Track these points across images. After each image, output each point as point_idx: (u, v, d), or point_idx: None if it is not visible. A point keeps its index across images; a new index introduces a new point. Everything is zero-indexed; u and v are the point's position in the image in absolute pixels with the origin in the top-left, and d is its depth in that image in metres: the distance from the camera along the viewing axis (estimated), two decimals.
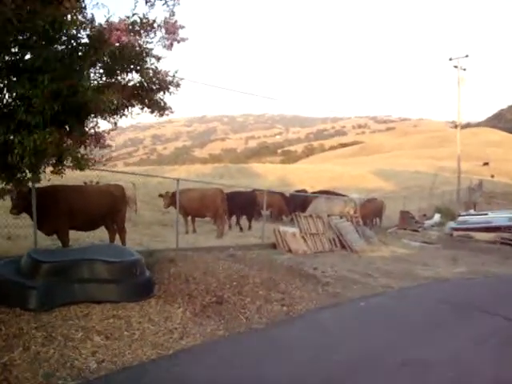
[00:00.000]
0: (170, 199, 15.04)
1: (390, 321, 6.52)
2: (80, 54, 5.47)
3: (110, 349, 4.81)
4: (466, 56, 39.01)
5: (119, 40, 5.26)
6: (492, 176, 60.83)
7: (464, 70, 38.94)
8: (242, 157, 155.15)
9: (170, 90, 6.56)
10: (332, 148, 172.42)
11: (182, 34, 6.32)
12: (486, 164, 78.16)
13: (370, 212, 22.19)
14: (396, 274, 11.19)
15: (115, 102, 5.25)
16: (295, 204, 20.95)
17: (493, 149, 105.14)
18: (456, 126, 39.87)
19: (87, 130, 6.26)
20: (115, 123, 6.76)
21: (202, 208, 15.30)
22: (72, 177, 16.92)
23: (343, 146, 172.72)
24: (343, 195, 23.55)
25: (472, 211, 29.14)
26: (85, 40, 5.62)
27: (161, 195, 15.99)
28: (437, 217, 27.56)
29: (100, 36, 5.37)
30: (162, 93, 6.60)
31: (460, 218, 24.96)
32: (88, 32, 5.60)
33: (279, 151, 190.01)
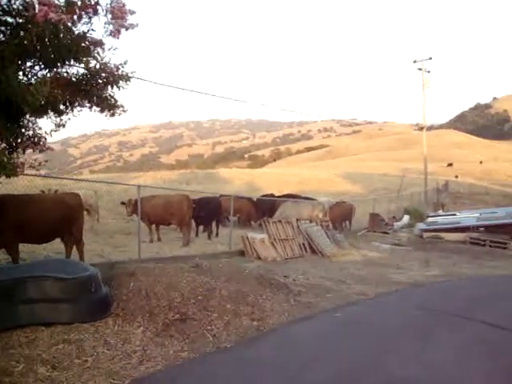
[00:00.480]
0: (133, 207, 14.36)
1: (367, 333, 6.07)
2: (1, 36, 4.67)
3: (56, 381, 4.18)
4: (430, 58, 39.27)
5: (46, 17, 4.34)
6: (456, 176, 61.89)
7: (428, 72, 39.21)
8: (210, 162, 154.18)
9: (119, 85, 5.86)
10: (299, 152, 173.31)
11: (131, 20, 5.54)
12: (450, 165, 79.59)
13: (340, 215, 21.88)
14: (369, 279, 10.81)
15: (45, 94, 4.50)
16: (263, 209, 20.49)
17: (456, 150, 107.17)
18: (421, 128, 40.11)
19: (23, 130, 5.56)
20: (62, 124, 6.10)
21: (167, 215, 14.64)
22: (32, 185, 16.12)
23: (310, 149, 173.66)
24: (311, 199, 23.18)
25: (441, 212, 29.24)
26: (6, 19, 4.74)
27: (123, 203, 15.32)
28: (406, 218, 27.52)
29: (26, 14, 4.51)
30: (109, 87, 5.90)
31: (429, 219, 24.99)
32: (9, 9, 4.70)
33: (246, 156, 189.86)
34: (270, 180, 43.57)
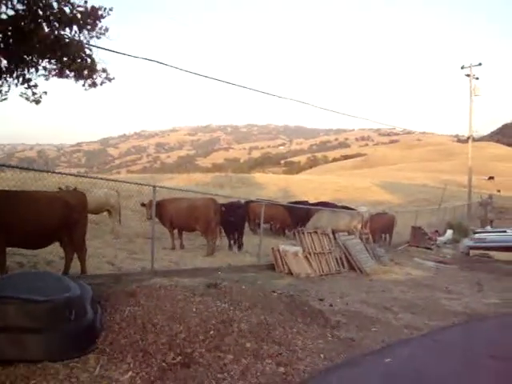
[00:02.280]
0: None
1: None
2: None
3: None
4: (479, 64, 37.29)
5: None
6: (498, 191, 59.05)
7: (477, 79, 37.21)
8: (245, 167, 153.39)
9: (85, 25, 4.41)
10: (335, 160, 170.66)
11: None
12: (491, 178, 76.58)
13: (380, 227, 20.13)
14: (418, 306, 9.19)
15: None
16: (298, 216, 18.99)
17: (497, 163, 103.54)
18: (468, 138, 38.15)
19: None
20: (35, 100, 4.74)
21: (191, 220, 13.20)
22: (60, 182, 15.02)
23: (346, 157, 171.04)
24: (348, 207, 21.54)
25: (489, 228, 27.11)
26: None
27: (143, 204, 14.00)
28: (449, 233, 25.61)
29: None
30: (74, 31, 4.44)
31: (476, 236, 22.99)
32: None
33: (282, 162, 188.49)
34: (305, 187, 42.01)
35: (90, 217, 16.86)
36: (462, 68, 37.41)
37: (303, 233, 12.77)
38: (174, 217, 13.31)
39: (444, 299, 10.50)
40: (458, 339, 6.92)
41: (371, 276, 13.17)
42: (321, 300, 8.32)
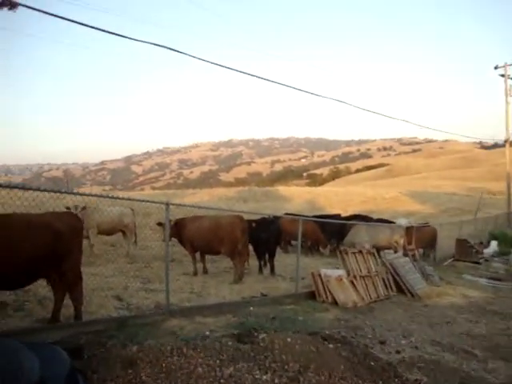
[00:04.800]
0: (172, 229, 11.20)
1: None
2: None
3: None
4: None
5: None
6: None
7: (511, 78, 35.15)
8: (268, 180, 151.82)
9: None
10: (358, 171, 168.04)
11: None
12: None
13: (422, 242, 18.12)
14: (505, 347, 7.23)
15: None
16: (331, 232, 17.18)
17: None
18: (505, 141, 35.89)
19: None
20: None
21: (215, 242, 11.31)
22: (80, 200, 13.42)
23: (369, 168, 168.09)
24: (386, 220, 19.66)
25: None
26: None
27: (159, 224, 12.25)
28: (494, 244, 23.42)
29: None
30: None
31: None
32: None
33: (305, 174, 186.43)
34: (331, 199, 40.25)
35: (105, 238, 15.41)
36: (496, 68, 35.49)
37: (346, 253, 10.86)
38: (196, 238, 11.54)
39: None
40: None
41: (425, 300, 11.25)
42: (382, 343, 6.48)
